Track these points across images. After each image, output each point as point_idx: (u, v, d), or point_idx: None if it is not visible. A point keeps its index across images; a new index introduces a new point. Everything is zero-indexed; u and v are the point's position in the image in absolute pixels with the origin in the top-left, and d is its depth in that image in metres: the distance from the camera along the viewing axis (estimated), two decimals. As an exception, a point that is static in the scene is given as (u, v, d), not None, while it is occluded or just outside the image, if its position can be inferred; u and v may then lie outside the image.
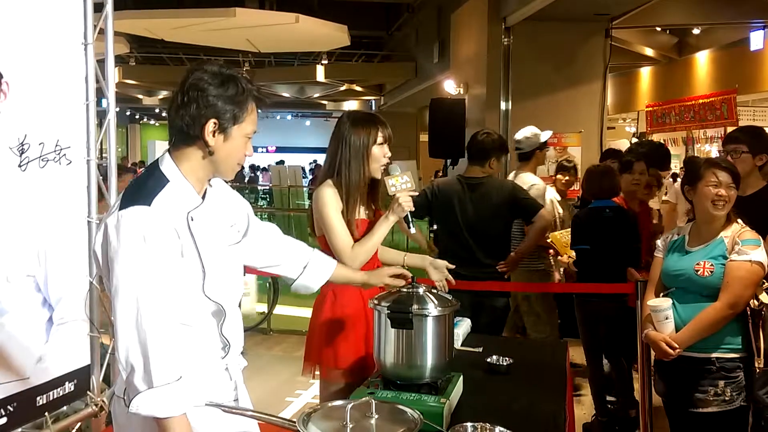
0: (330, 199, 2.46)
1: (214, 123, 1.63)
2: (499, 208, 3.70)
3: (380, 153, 2.47)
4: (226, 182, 1.89)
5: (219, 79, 1.64)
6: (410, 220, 2.40)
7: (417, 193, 2.42)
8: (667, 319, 2.57)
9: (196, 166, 1.68)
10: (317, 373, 2.60)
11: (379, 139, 2.47)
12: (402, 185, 2.39)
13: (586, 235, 3.93)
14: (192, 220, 1.67)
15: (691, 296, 2.59)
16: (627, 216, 3.94)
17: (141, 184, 1.66)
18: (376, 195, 2.59)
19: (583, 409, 4.34)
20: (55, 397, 3.06)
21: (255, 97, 1.71)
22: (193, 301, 1.68)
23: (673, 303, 2.60)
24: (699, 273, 2.55)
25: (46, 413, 2.98)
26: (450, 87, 9.05)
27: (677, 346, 2.53)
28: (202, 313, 1.71)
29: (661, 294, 2.70)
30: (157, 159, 1.72)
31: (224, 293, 1.75)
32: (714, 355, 2.54)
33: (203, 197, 1.73)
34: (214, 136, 1.64)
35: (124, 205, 1.60)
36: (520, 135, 4.71)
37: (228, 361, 1.80)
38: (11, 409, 2.82)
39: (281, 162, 20.32)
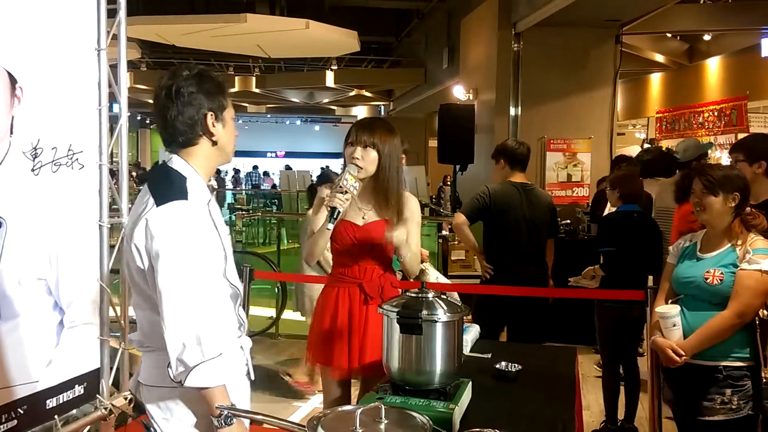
0: (317, 196, 2.63)
1: (212, 115, 1.81)
2: (545, 213, 3.99)
3: (348, 153, 2.54)
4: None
5: (196, 79, 1.80)
6: (331, 217, 2.42)
7: (348, 193, 2.42)
8: (674, 326, 2.56)
9: (207, 160, 1.85)
10: (312, 390, 2.66)
11: (350, 139, 2.55)
12: (337, 183, 2.47)
13: (614, 238, 3.96)
14: (211, 209, 1.83)
15: (700, 304, 2.57)
16: (653, 221, 4.07)
17: (166, 182, 1.78)
18: (381, 198, 2.58)
19: (592, 416, 4.32)
20: (64, 400, 3.07)
21: (224, 81, 1.90)
22: (220, 285, 1.83)
23: (682, 310, 2.59)
24: (708, 281, 2.53)
25: (56, 416, 2.99)
26: (459, 93, 9.06)
27: (684, 353, 2.52)
28: (224, 295, 1.85)
29: (670, 301, 2.69)
30: (164, 161, 1.86)
31: (236, 277, 1.92)
32: (722, 363, 2.52)
33: (211, 190, 1.92)
34: (215, 126, 1.82)
35: (161, 201, 1.73)
36: (682, 146, 4.75)
37: (242, 340, 1.95)
38: (21, 412, 2.84)
39: (288, 167, 20.40)
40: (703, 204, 2.58)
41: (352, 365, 2.54)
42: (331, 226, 2.43)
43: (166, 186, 1.76)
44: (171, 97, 1.77)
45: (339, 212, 2.42)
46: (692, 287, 2.60)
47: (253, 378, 1.99)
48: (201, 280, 1.70)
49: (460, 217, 3.83)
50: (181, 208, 1.72)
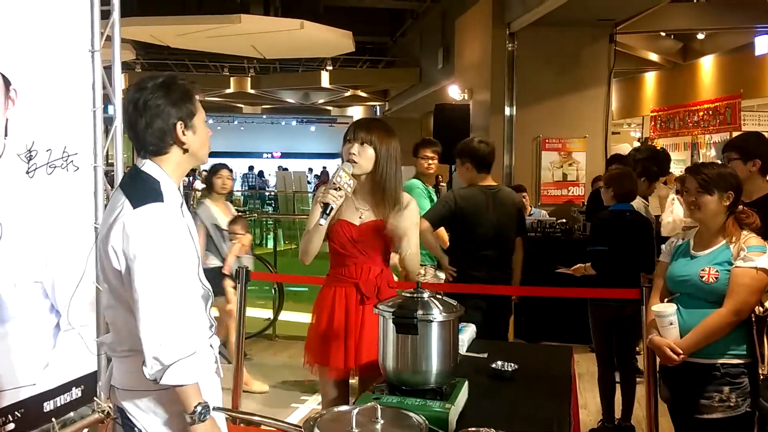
0: (316, 195, 2.63)
1: (181, 124, 1.83)
2: (512, 215, 3.90)
3: (345, 150, 2.55)
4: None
5: (163, 88, 1.82)
6: (324, 213, 2.42)
7: (341, 189, 2.43)
8: (671, 324, 2.56)
9: (179, 166, 1.88)
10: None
11: (347, 138, 2.57)
12: (331, 180, 2.47)
13: (605, 237, 3.97)
14: (183, 213, 1.86)
15: (695, 302, 2.58)
16: (646, 220, 4.04)
17: (140, 185, 1.82)
18: (378, 197, 2.58)
19: (589, 414, 4.33)
20: (62, 403, 3.07)
21: (191, 87, 1.90)
22: (194, 287, 1.87)
23: (678, 308, 2.60)
24: (704, 279, 2.54)
25: (53, 419, 2.99)
26: (454, 92, 9.07)
27: (681, 352, 2.53)
28: (197, 296, 1.89)
29: (666, 299, 2.70)
30: (135, 165, 1.88)
31: (206, 279, 1.95)
32: (719, 361, 2.53)
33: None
34: (184, 134, 1.84)
35: (137, 203, 1.75)
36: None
37: (212, 340, 1.97)
38: (18, 415, 2.83)
39: (285, 168, 20.42)
40: (698, 203, 2.59)
41: (349, 365, 2.54)
42: (323, 222, 2.43)
43: (140, 189, 1.80)
44: (138, 110, 1.80)
45: (332, 208, 2.42)
46: (688, 285, 2.61)
47: (222, 376, 2.02)
48: (176, 281, 1.74)
49: (424, 223, 3.66)
50: (157, 210, 1.75)
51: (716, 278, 2.52)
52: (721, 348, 2.53)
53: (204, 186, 5.67)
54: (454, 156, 4.10)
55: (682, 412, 2.65)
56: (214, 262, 4.77)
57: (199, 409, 1.73)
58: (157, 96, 1.80)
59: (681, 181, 4.73)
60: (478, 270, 3.77)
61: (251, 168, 25.35)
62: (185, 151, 1.85)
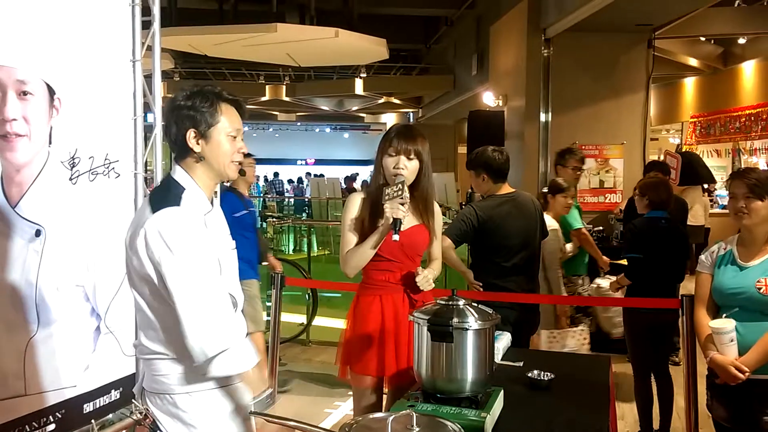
0: (349, 204, 2.64)
1: (194, 132, 1.86)
2: (536, 219, 3.79)
3: (390, 164, 2.54)
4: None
5: (186, 96, 1.88)
6: (396, 228, 2.41)
7: (406, 203, 2.43)
8: (731, 341, 2.46)
9: (199, 173, 1.91)
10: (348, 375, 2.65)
11: (390, 151, 2.55)
12: (392, 194, 2.44)
13: (641, 244, 3.91)
14: (207, 221, 1.89)
15: (752, 315, 2.48)
16: (680, 228, 3.97)
17: (164, 191, 1.88)
18: (421, 205, 2.62)
19: (627, 426, 4.25)
20: (101, 404, 3.13)
21: (228, 99, 1.93)
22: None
23: None
24: (762, 291, 2.44)
25: (93, 420, 3.05)
26: (489, 99, 9.03)
27: (747, 369, 2.43)
28: (226, 298, 1.89)
29: (724, 315, 2.58)
30: (169, 173, 1.94)
31: (234, 287, 1.96)
32: None
33: (212, 203, 1.96)
34: (197, 143, 1.87)
35: (155, 209, 1.80)
36: None
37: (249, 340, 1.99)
38: (59, 415, 2.90)
39: (319, 175, 20.50)
40: (750, 208, 2.50)
41: (401, 369, 2.52)
42: (396, 237, 2.42)
43: (161, 195, 1.86)
44: (165, 114, 1.90)
45: (401, 223, 2.43)
46: (742, 298, 2.50)
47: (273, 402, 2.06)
48: (206, 276, 1.78)
49: (446, 241, 3.56)
50: (172, 214, 1.79)
51: None
52: None
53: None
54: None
55: (741, 430, 2.55)
56: None
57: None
58: (179, 100, 1.87)
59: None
60: (508, 281, 3.64)
61: (276, 174, 25.27)
62: (199, 159, 1.88)
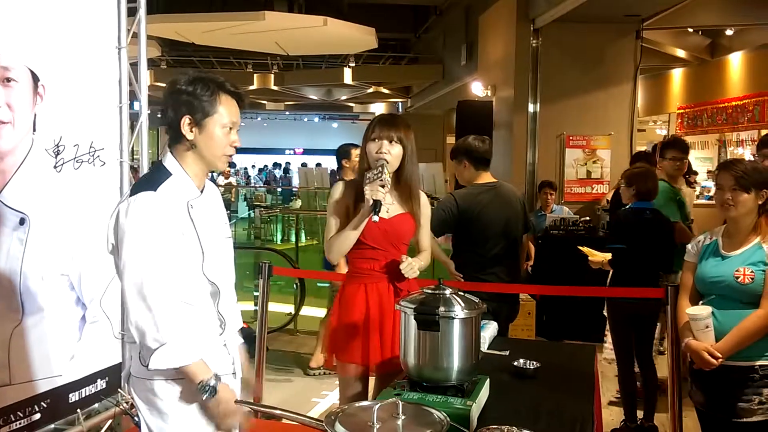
0: (334, 191, 2.67)
1: (189, 119, 1.85)
2: (518, 211, 3.77)
3: (373, 149, 2.56)
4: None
5: (188, 81, 1.86)
6: (376, 210, 2.42)
7: (386, 186, 2.43)
8: (707, 327, 2.50)
9: (189, 161, 1.90)
10: (335, 364, 2.64)
11: (373, 136, 2.57)
12: (372, 176, 2.45)
13: (624, 235, 3.93)
14: (192, 207, 1.88)
15: (730, 303, 2.52)
16: (666, 219, 3.99)
17: (148, 177, 1.91)
18: (406, 192, 2.63)
19: (612, 414, 4.29)
20: (87, 394, 3.12)
21: (229, 91, 1.90)
22: (194, 280, 1.88)
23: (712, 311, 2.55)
24: (739, 280, 2.48)
25: (78, 410, 3.04)
26: (478, 89, 9.02)
27: (720, 355, 2.48)
28: (201, 292, 1.91)
29: (700, 302, 2.64)
30: (160, 158, 1.94)
31: (220, 275, 1.95)
32: (757, 363, 2.47)
33: (202, 191, 1.94)
34: (191, 130, 1.86)
35: (133, 192, 1.82)
36: None
37: (225, 338, 1.97)
38: (45, 405, 2.88)
39: (318, 164, 20.43)
40: (736, 200, 2.53)
41: (385, 358, 2.53)
42: (376, 218, 2.44)
43: (143, 180, 1.88)
44: (165, 97, 1.89)
45: (381, 204, 2.44)
46: (721, 287, 2.54)
47: (241, 376, 2.02)
48: (157, 265, 1.76)
49: None
50: (145, 198, 1.79)
51: (752, 279, 2.47)
52: (759, 350, 2.48)
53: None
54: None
55: (719, 416, 2.59)
56: None
57: (209, 381, 1.78)
58: (180, 85, 1.85)
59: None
60: (488, 273, 3.63)
61: (266, 165, 25.20)
62: (192, 146, 1.88)
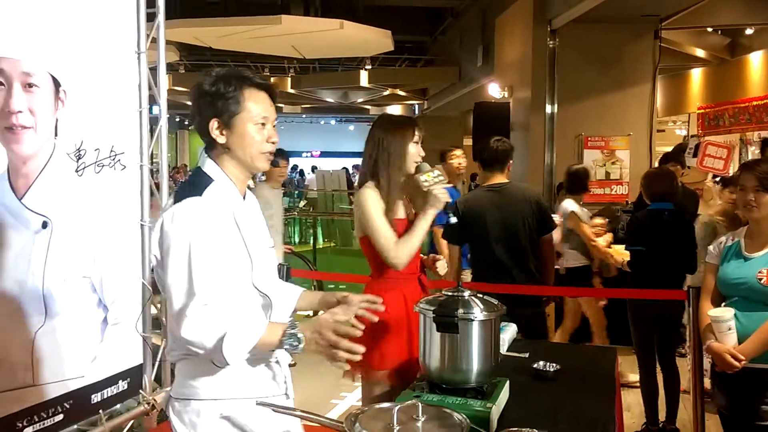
0: (372, 200, 2.54)
1: (217, 122, 1.75)
2: (524, 211, 3.61)
3: (416, 152, 2.55)
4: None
5: (211, 82, 1.76)
6: (449, 211, 2.47)
7: (450, 185, 2.48)
8: (729, 330, 2.47)
9: (228, 165, 1.80)
10: (359, 375, 2.61)
11: (415, 138, 2.56)
12: (435, 179, 2.46)
13: (643, 237, 3.89)
14: (236, 214, 1.77)
15: (753, 305, 2.49)
16: (685, 220, 3.93)
17: (191, 183, 1.79)
18: (412, 194, 2.64)
19: (632, 417, 4.25)
20: (109, 395, 3.15)
21: (255, 84, 1.78)
22: (244, 292, 1.76)
23: (734, 312, 2.52)
24: (762, 281, 2.45)
25: (101, 411, 3.07)
26: (494, 90, 8.99)
27: (743, 357, 2.45)
28: (253, 305, 1.79)
29: (723, 304, 2.61)
30: (199, 163, 1.85)
31: (271, 287, 1.84)
32: None
33: (244, 198, 1.84)
34: (221, 133, 1.76)
35: (177, 199, 1.73)
36: None
37: (277, 354, 1.86)
38: (67, 406, 2.92)
39: (342, 168, 20.47)
40: (759, 201, 2.50)
41: (413, 359, 2.48)
42: (454, 219, 2.53)
43: (186, 186, 1.77)
44: (192, 102, 1.81)
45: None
46: (744, 288, 2.51)
47: (292, 397, 1.91)
48: (207, 270, 1.64)
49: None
50: (193, 204, 1.69)
51: None
52: None
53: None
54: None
55: (741, 418, 2.55)
56: None
57: (288, 334, 1.64)
58: (203, 88, 1.76)
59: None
60: (487, 274, 3.59)
61: (294, 168, 25.40)
62: (226, 149, 1.77)
